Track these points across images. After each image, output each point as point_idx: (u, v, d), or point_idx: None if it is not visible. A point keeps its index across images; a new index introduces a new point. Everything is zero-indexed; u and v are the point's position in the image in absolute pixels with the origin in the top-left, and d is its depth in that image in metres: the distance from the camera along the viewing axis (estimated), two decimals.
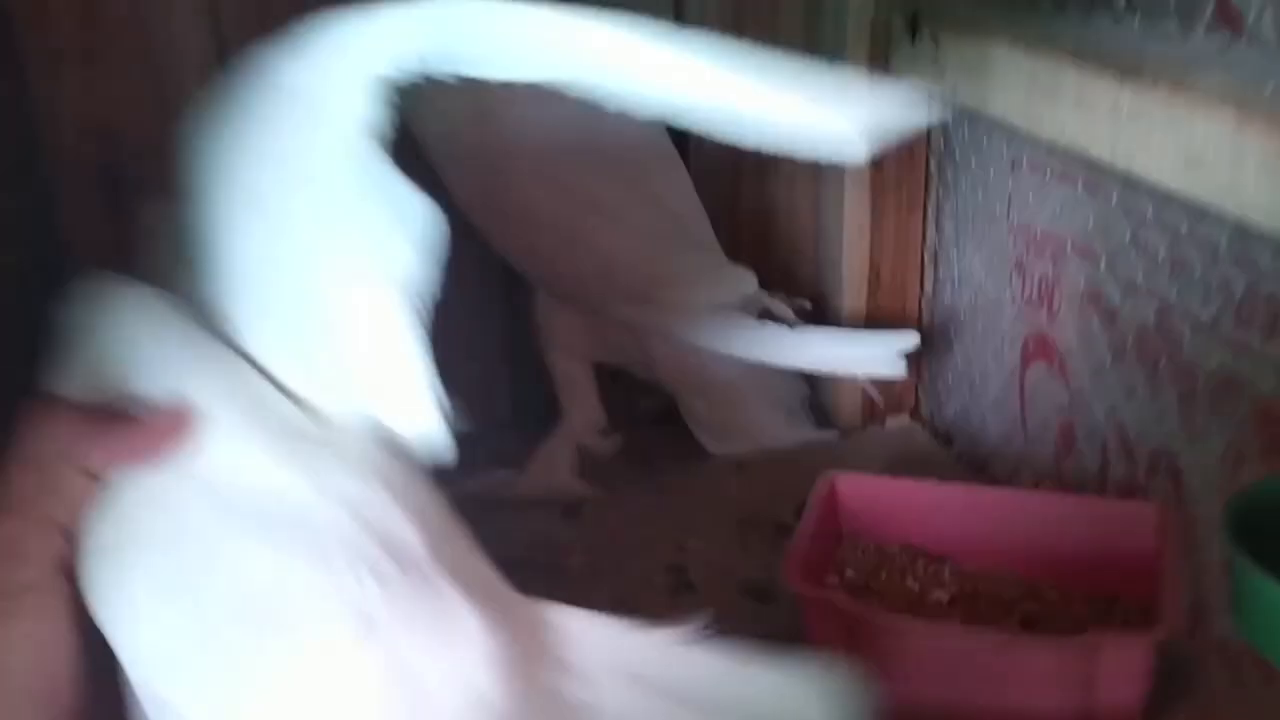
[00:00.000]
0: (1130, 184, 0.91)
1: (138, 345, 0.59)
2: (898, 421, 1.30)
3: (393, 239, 0.56)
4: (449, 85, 0.56)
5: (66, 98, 1.10)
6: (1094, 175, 0.97)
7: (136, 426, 0.55)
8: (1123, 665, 0.78)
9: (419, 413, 0.59)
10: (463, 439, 0.60)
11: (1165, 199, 0.86)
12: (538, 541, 1.08)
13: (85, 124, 1.11)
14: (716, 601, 0.99)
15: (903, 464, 1.21)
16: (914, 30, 1.13)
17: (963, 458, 1.23)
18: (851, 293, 1.26)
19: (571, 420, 1.18)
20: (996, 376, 1.16)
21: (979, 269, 1.18)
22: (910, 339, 1.16)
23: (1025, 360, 1.12)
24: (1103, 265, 0.97)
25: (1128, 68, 0.82)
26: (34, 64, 1.08)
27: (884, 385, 1.28)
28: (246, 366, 0.59)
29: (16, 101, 1.08)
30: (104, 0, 1.09)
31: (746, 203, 1.30)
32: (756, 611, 0.98)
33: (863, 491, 0.98)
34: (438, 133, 1.06)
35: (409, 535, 0.55)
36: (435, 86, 0.56)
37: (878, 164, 1.22)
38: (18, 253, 1.11)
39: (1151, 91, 0.79)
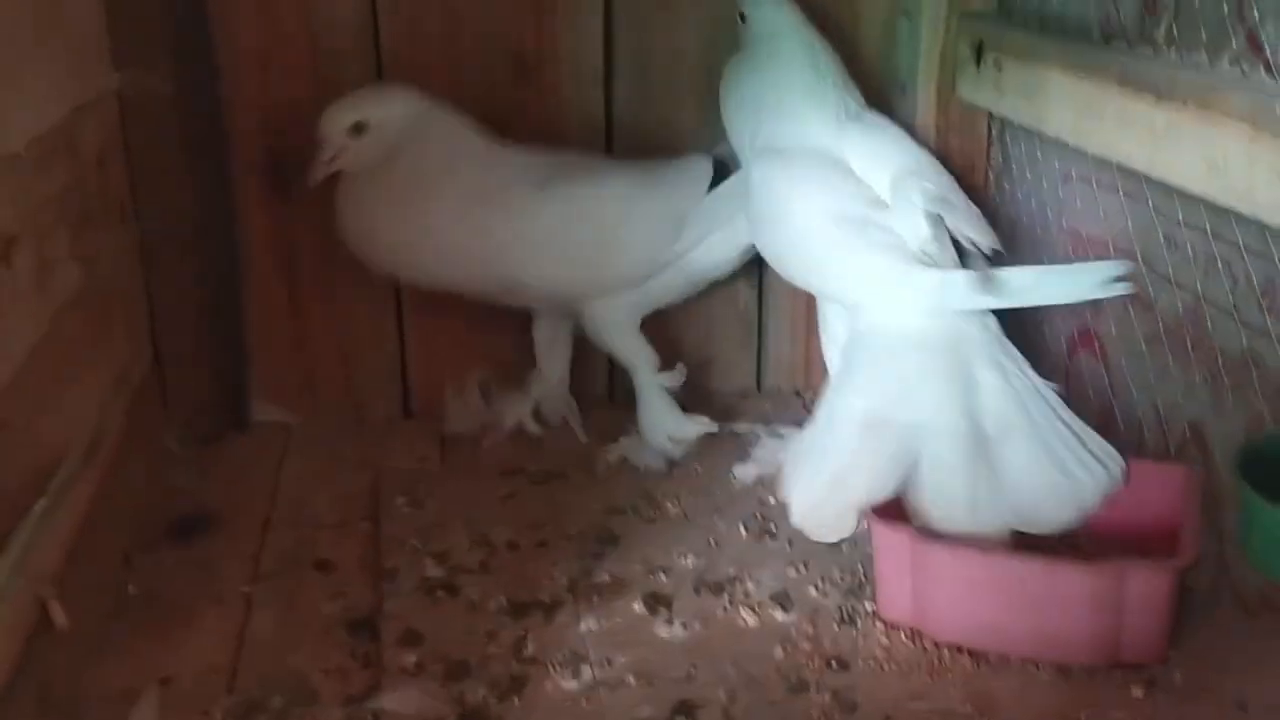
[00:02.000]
0: (1164, 192, 1.06)
1: None
2: None
3: None
4: None
5: (246, 94, 1.29)
6: (1133, 184, 1.12)
7: None
8: (1149, 589, 0.93)
9: None
10: None
11: (1193, 203, 1.01)
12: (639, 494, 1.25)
13: (259, 118, 1.30)
14: (799, 545, 1.15)
15: None
16: (979, 57, 1.29)
17: None
18: None
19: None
20: (1045, 364, 1.30)
21: None
22: (1120, 266, 1.08)
23: (1072, 350, 1.27)
24: (1140, 262, 1.12)
25: (1163, 92, 0.97)
26: (223, 64, 1.28)
27: None
28: None
29: (206, 94, 1.27)
30: (279, 12, 1.28)
31: None
32: (834, 551, 1.13)
33: None
34: None
35: None
36: None
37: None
38: (196, 221, 1.29)
39: (1182, 111, 0.94)
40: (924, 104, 1.35)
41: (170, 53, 1.26)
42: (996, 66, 1.25)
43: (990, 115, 1.34)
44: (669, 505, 1.22)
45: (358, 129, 1.21)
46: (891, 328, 1.11)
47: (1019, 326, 1.34)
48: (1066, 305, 1.25)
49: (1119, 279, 1.06)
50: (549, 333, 1.38)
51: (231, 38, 1.28)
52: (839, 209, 1.18)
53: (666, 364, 1.32)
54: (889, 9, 1.39)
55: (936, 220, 1.11)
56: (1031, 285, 1.10)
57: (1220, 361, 1.02)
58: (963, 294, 1.08)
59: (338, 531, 1.18)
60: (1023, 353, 1.27)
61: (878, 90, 1.41)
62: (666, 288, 1.33)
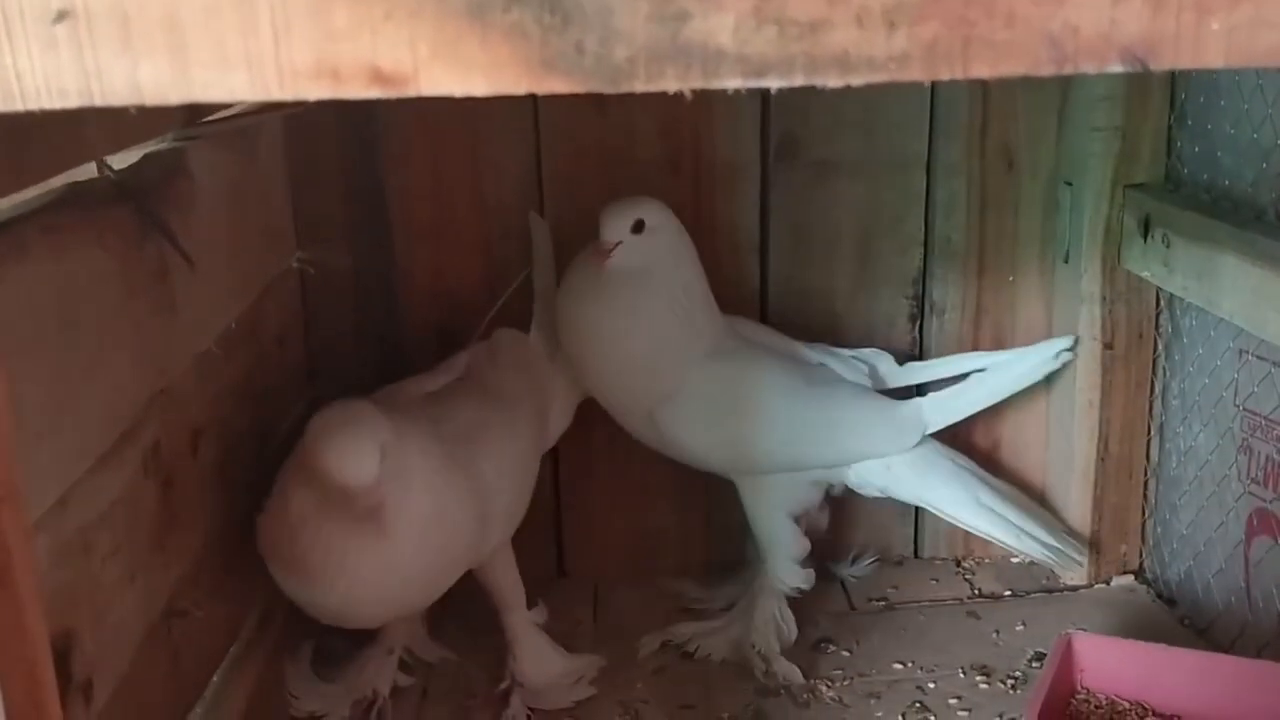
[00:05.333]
0: None
1: None
2: (1123, 581, 1.39)
3: None
4: None
5: (418, 267, 1.35)
6: None
7: None
8: None
9: None
10: None
11: None
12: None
13: (430, 293, 1.35)
14: None
15: (1127, 623, 1.30)
16: (1146, 230, 1.26)
17: (1185, 620, 1.31)
18: (1080, 462, 1.37)
19: None
20: (1221, 546, 1.25)
21: (1204, 445, 1.28)
22: (1064, 341, 1.34)
23: (1250, 534, 1.21)
24: None
25: None
26: (397, 239, 1.34)
27: (1110, 545, 1.39)
28: None
29: (381, 268, 1.33)
30: (451, 195, 1.34)
31: None
32: None
33: (1097, 650, 1.09)
34: None
35: None
36: None
37: (1109, 344, 1.34)
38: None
39: None
40: (1089, 272, 1.33)
41: (348, 230, 1.33)
42: (1165, 242, 1.22)
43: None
44: (824, 688, 1.20)
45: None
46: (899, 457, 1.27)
47: (1188, 508, 1.30)
48: (1243, 487, 1.20)
49: (1065, 350, 1.33)
50: None
51: (406, 216, 1.34)
52: (808, 375, 1.27)
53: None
54: (1050, 175, 1.37)
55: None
56: (989, 390, 1.31)
57: None
58: (940, 414, 1.28)
59: (493, 705, 1.19)
60: (1191, 533, 1.22)
61: (1039, 257, 1.39)
62: None
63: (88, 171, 0.79)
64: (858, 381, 1.31)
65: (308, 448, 0.97)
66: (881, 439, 1.27)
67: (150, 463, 0.86)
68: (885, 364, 1.35)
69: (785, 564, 1.26)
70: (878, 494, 1.30)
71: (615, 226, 1.17)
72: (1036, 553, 1.29)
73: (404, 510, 0.98)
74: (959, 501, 1.28)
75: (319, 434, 0.97)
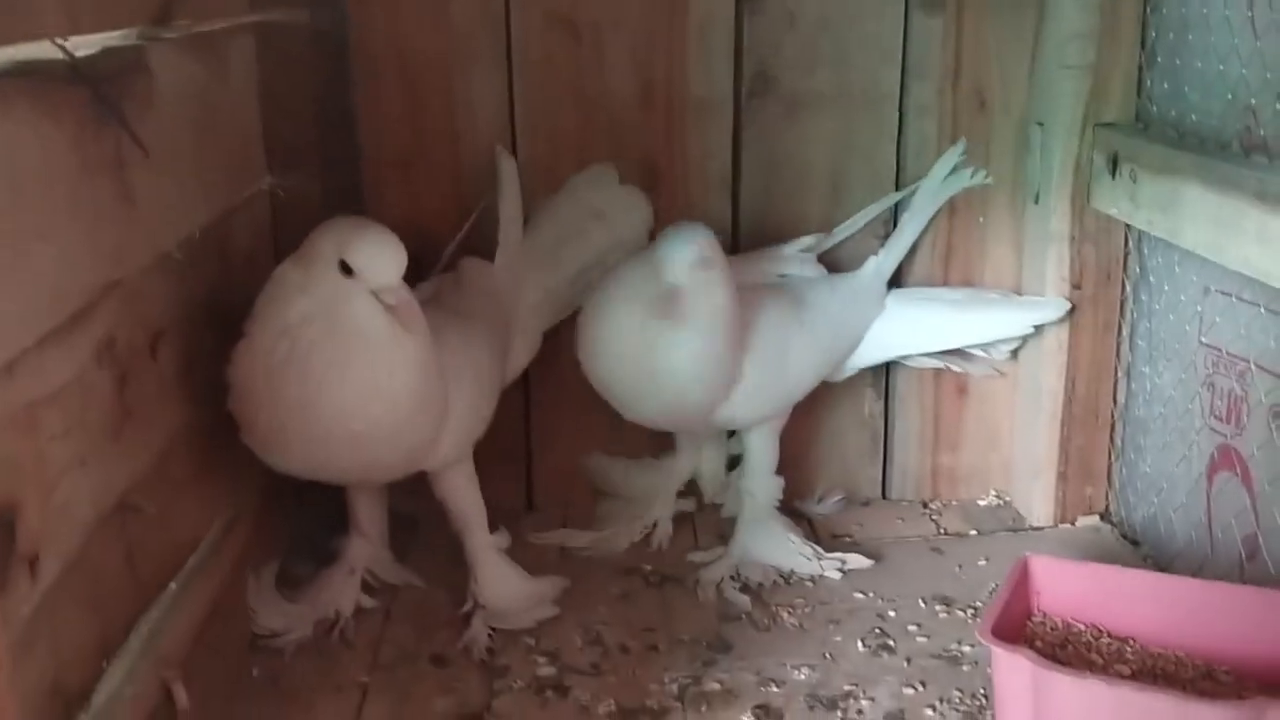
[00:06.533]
0: None
1: None
2: (1088, 521, 1.40)
3: None
4: None
5: (389, 196, 1.35)
6: (1276, 300, 1.08)
7: None
8: None
9: None
10: None
11: None
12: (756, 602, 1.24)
13: (401, 219, 1.35)
14: (918, 663, 1.12)
15: (1091, 560, 1.30)
16: (1114, 168, 1.26)
17: (1149, 558, 1.32)
18: (1048, 405, 1.38)
19: None
20: (1184, 483, 1.25)
21: (1169, 384, 1.28)
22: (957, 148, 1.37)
23: (1211, 470, 1.22)
24: None
25: None
26: (367, 167, 1.34)
27: (1075, 487, 1.40)
28: None
29: (351, 196, 1.33)
30: (423, 122, 1.34)
31: None
32: (950, 674, 1.10)
33: (1054, 572, 1.09)
34: None
35: None
36: None
37: (1077, 284, 1.35)
38: None
39: None
40: (1058, 212, 1.33)
41: (319, 157, 1.33)
42: (1132, 178, 1.23)
43: (1128, 225, 1.31)
44: (784, 615, 1.21)
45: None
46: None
47: (1152, 448, 1.30)
48: (1205, 423, 1.21)
49: (961, 154, 1.36)
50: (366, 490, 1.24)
51: (377, 144, 1.34)
52: (795, 297, 1.30)
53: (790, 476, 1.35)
54: (1021, 115, 1.37)
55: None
56: (912, 223, 1.37)
57: None
58: (890, 259, 1.37)
59: (455, 627, 1.19)
60: (1155, 472, 1.22)
61: (1009, 198, 1.40)
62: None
63: (43, 52, 0.79)
64: (816, 274, 1.35)
65: (329, 246, 1.01)
66: (867, 312, 1.35)
67: (105, 354, 0.86)
68: (816, 239, 1.38)
69: (771, 479, 1.32)
70: (851, 372, 1.38)
71: (681, 264, 1.14)
72: (1034, 319, 1.35)
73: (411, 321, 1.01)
74: (930, 334, 1.37)
75: (349, 232, 1.01)
